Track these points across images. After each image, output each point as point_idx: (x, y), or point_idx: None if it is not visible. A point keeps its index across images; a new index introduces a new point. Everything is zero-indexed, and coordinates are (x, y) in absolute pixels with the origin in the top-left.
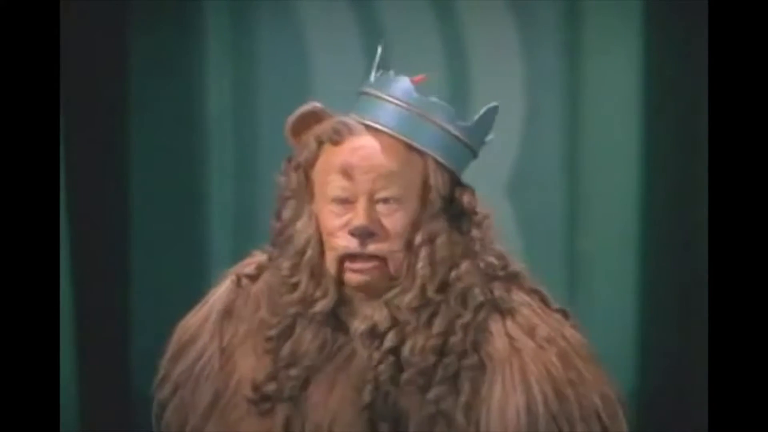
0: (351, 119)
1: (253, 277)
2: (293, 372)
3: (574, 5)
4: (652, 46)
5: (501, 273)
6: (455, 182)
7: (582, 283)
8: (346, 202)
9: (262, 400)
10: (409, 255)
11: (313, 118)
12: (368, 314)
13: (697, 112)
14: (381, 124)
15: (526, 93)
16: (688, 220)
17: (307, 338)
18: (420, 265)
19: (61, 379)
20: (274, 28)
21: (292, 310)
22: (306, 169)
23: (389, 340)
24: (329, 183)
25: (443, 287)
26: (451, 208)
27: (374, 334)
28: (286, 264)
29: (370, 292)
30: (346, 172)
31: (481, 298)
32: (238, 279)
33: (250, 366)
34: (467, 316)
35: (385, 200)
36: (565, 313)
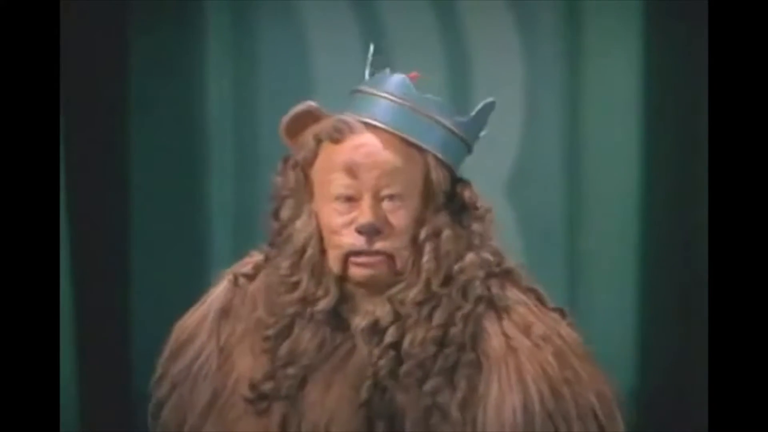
0: (350, 117)
1: (251, 277)
2: (291, 371)
3: (575, 6)
4: (652, 47)
5: (496, 269)
6: (454, 177)
7: (582, 283)
8: (350, 200)
9: (259, 399)
10: (414, 250)
11: (309, 117)
12: (370, 310)
13: (697, 112)
14: (378, 121)
15: (526, 93)
16: (688, 220)
17: (305, 337)
18: (425, 259)
19: (61, 379)
20: (274, 28)
21: (291, 310)
22: (304, 167)
23: (390, 335)
24: (332, 181)
25: (447, 281)
26: (452, 203)
27: (376, 329)
28: (285, 263)
29: (373, 287)
30: (351, 170)
31: (480, 291)
32: (235, 278)
33: (247, 365)
34: (467, 308)
35: (390, 197)
36: (561, 312)
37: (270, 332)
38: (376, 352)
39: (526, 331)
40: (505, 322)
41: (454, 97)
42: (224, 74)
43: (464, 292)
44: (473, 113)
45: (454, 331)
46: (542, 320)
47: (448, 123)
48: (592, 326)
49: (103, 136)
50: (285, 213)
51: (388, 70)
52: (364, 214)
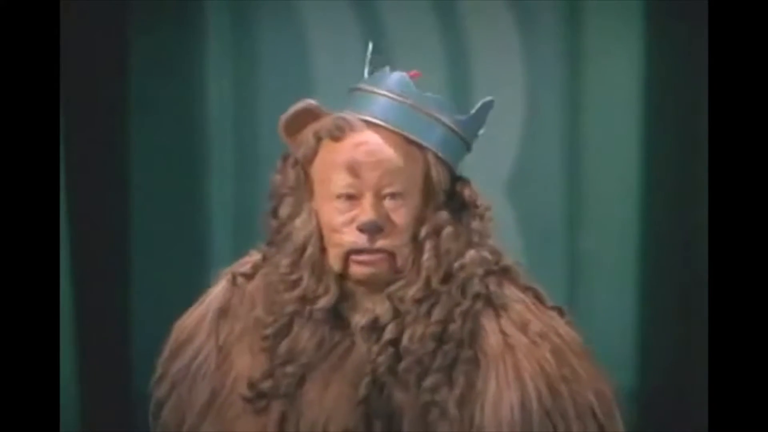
0: (350, 115)
1: (249, 276)
2: (289, 369)
3: (575, 6)
4: (653, 47)
5: (495, 267)
6: (454, 176)
7: (582, 282)
8: (351, 198)
9: (258, 398)
10: (415, 248)
11: (309, 115)
12: (369, 308)
13: (697, 112)
14: (378, 119)
15: (526, 93)
16: (688, 220)
17: (304, 336)
18: (426, 257)
19: (61, 379)
20: (274, 28)
21: (290, 308)
22: (304, 165)
23: (389, 332)
24: (332, 180)
25: (447, 278)
26: (452, 201)
27: (375, 327)
28: (285, 261)
29: (374, 285)
30: (353, 169)
31: (478, 288)
32: (234, 278)
33: (246, 364)
34: (466, 304)
35: (392, 195)
36: (560, 311)
37: (269, 331)
38: (375, 349)
39: (524, 328)
40: (503, 320)
41: (454, 98)
42: (224, 74)
43: (463, 289)
44: (472, 112)
45: (453, 327)
46: (540, 318)
47: (447, 121)
48: (592, 326)
49: (103, 136)
50: (284, 211)
51: (387, 68)
52: (365, 213)
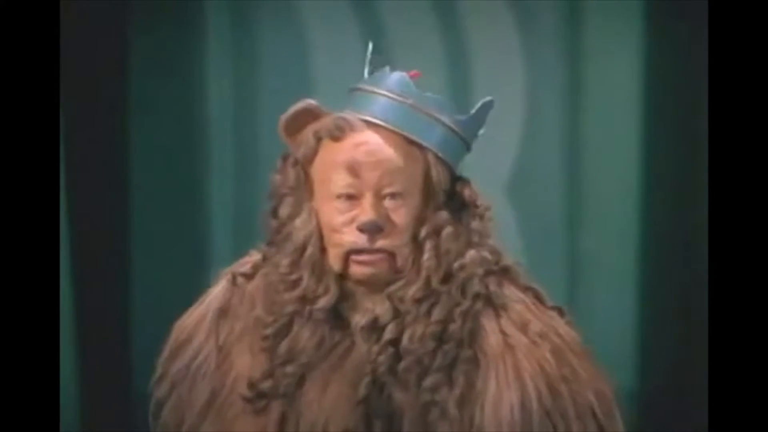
0: (350, 115)
1: (249, 276)
2: (289, 369)
3: (575, 6)
4: (653, 47)
5: (495, 267)
6: (454, 176)
7: (582, 282)
8: (351, 198)
9: (258, 398)
10: (415, 248)
11: (309, 115)
12: (369, 308)
13: (697, 112)
14: (378, 118)
15: (526, 93)
16: (688, 220)
17: (304, 336)
18: (426, 257)
19: (61, 379)
20: (274, 28)
21: (290, 308)
22: (304, 165)
23: (389, 332)
24: (333, 180)
25: (447, 278)
26: (452, 201)
27: (375, 327)
28: (285, 261)
29: (374, 285)
30: (353, 169)
31: (478, 288)
32: (234, 278)
33: (246, 364)
34: (465, 304)
35: (392, 195)
36: (560, 311)
37: (269, 331)
38: (375, 348)
39: (524, 328)
40: (503, 320)
41: (454, 98)
42: (224, 74)
43: (463, 289)
44: (472, 112)
45: (452, 327)
46: (540, 318)
47: (447, 121)
48: (592, 326)
49: (103, 136)
50: (284, 211)
51: (387, 68)
52: (365, 213)
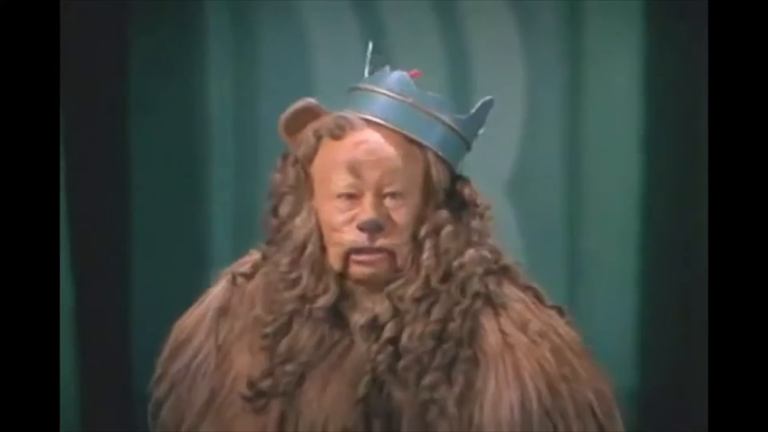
0: (351, 114)
1: (249, 275)
2: (289, 368)
3: (575, 6)
4: (653, 47)
5: (494, 267)
6: (454, 175)
7: (582, 282)
8: (351, 197)
9: (257, 397)
10: (414, 247)
11: (309, 114)
12: (369, 307)
13: (697, 112)
14: (379, 117)
15: (527, 93)
16: (688, 220)
17: (304, 335)
18: (425, 256)
19: (61, 379)
20: (274, 28)
21: (290, 307)
22: (304, 164)
23: (388, 331)
24: (333, 179)
25: (446, 277)
26: (452, 200)
27: (374, 326)
28: (285, 260)
29: (373, 284)
30: (354, 168)
31: (477, 287)
32: (234, 277)
33: (245, 363)
34: (465, 303)
35: (392, 194)
36: (560, 310)
37: (268, 329)
38: (375, 347)
39: (523, 327)
40: (502, 319)
41: (455, 98)
42: (224, 74)
43: (462, 288)
44: (472, 111)
45: (452, 326)
46: (539, 317)
47: (447, 120)
48: (592, 326)
49: (103, 136)
50: (284, 210)
51: (387, 68)
52: (366, 211)
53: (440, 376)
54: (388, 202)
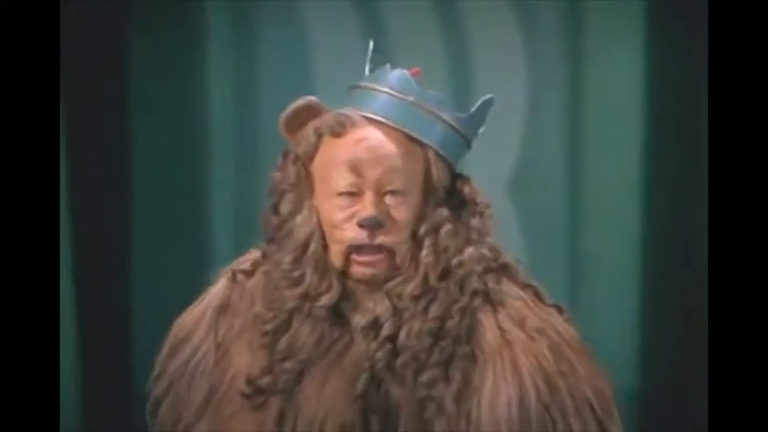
0: (351, 111)
1: (249, 273)
2: (288, 365)
3: (576, 6)
4: (654, 47)
5: (493, 265)
6: (454, 173)
7: (582, 282)
8: (352, 195)
9: (256, 394)
10: (414, 245)
11: (309, 112)
12: (370, 308)
13: (697, 112)
14: (379, 115)
15: (528, 92)
16: (688, 220)
17: (304, 332)
18: (424, 253)
19: (61, 379)
20: (275, 28)
21: (291, 305)
22: (305, 162)
23: (387, 328)
24: (334, 177)
25: (445, 275)
26: (451, 198)
27: (375, 326)
28: (287, 258)
29: (374, 284)
30: (354, 167)
31: (476, 285)
32: (234, 275)
33: (244, 361)
34: (463, 301)
35: (392, 192)
36: (559, 309)
37: (268, 327)
38: (373, 345)
39: (521, 324)
40: (501, 316)
41: (456, 97)
42: (224, 74)
43: (461, 286)
44: (473, 109)
45: (450, 324)
46: (538, 314)
47: (448, 118)
48: (592, 325)
49: (103, 136)
50: (285, 208)
51: (388, 66)
52: (366, 209)
53: (438, 373)
54: (388, 199)
